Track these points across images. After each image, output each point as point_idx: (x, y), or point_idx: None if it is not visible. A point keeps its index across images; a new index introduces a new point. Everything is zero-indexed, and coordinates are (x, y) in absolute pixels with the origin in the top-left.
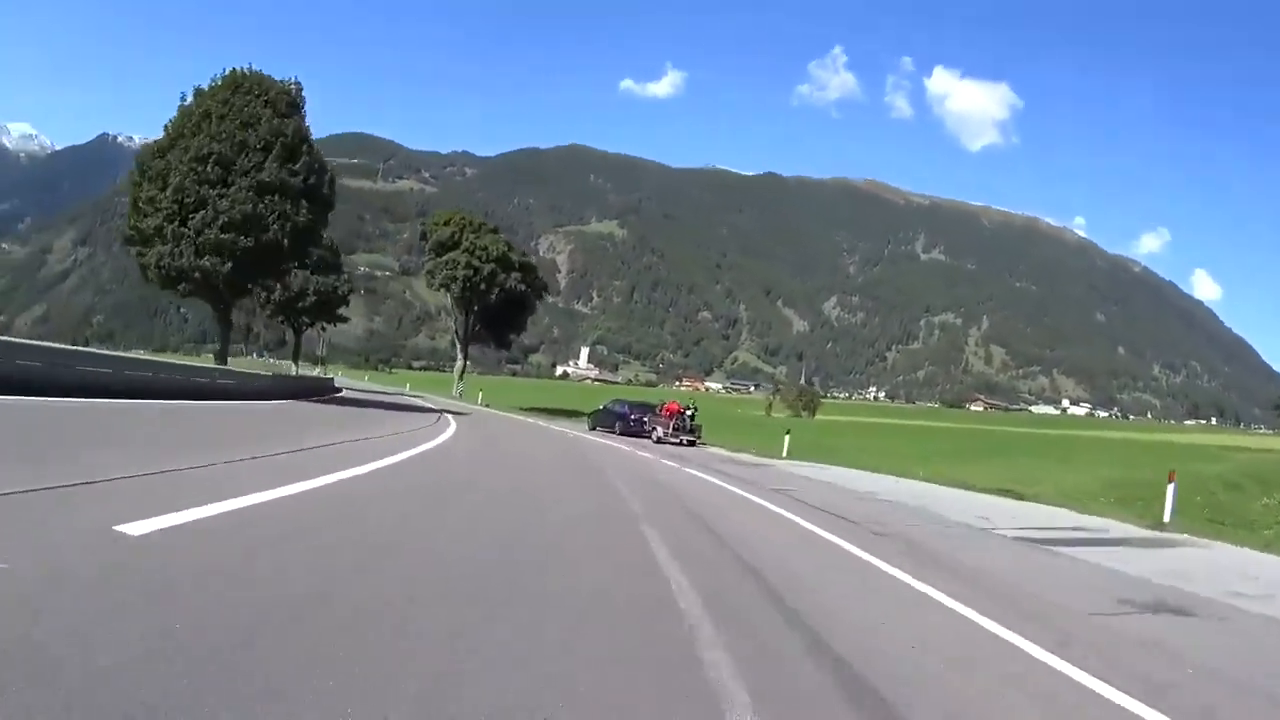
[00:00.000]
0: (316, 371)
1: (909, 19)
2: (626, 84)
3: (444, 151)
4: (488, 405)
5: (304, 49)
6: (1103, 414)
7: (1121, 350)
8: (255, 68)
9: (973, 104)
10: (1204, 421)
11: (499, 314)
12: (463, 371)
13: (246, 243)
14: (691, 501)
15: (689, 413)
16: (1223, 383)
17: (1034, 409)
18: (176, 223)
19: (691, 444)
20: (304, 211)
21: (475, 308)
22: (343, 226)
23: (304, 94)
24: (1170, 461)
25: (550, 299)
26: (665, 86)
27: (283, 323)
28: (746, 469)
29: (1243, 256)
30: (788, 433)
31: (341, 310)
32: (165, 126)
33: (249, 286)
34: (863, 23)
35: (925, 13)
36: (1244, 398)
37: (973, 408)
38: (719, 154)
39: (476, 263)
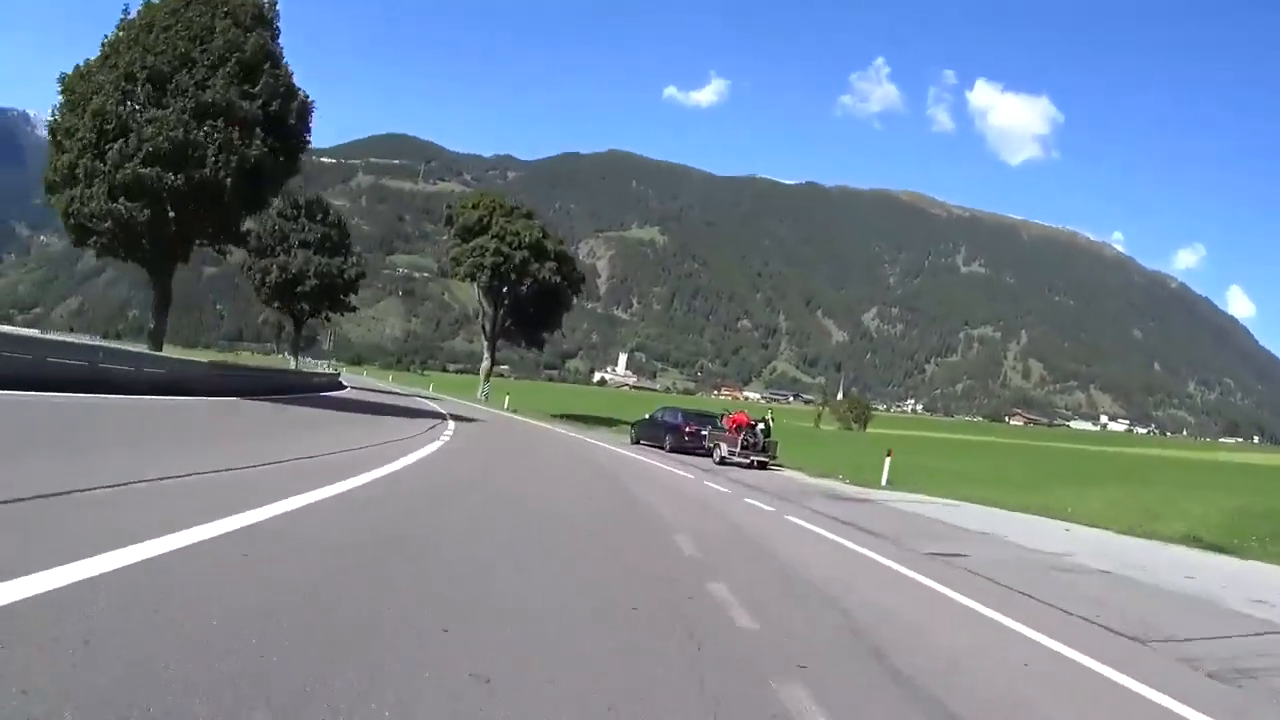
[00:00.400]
0: (320, 366)
1: (952, 31)
2: (670, 91)
3: (486, 155)
4: (514, 411)
5: (346, 49)
6: (1141, 431)
7: (1157, 366)
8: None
9: (1014, 117)
10: (1242, 440)
11: (532, 308)
12: (489, 372)
13: (175, 180)
14: (825, 585)
15: (761, 426)
16: (1256, 400)
17: (1072, 424)
18: (90, 156)
19: (763, 465)
20: (259, 144)
21: (505, 301)
22: (382, 226)
23: (278, 8)
24: None
25: (589, 304)
26: (709, 94)
27: (278, 308)
28: (857, 509)
29: (1277, 273)
30: (889, 454)
31: (352, 299)
32: (101, 44)
33: (189, 244)
34: (905, 34)
35: (968, 25)
36: (1275, 415)
37: (1012, 422)
38: (761, 163)
39: (507, 249)
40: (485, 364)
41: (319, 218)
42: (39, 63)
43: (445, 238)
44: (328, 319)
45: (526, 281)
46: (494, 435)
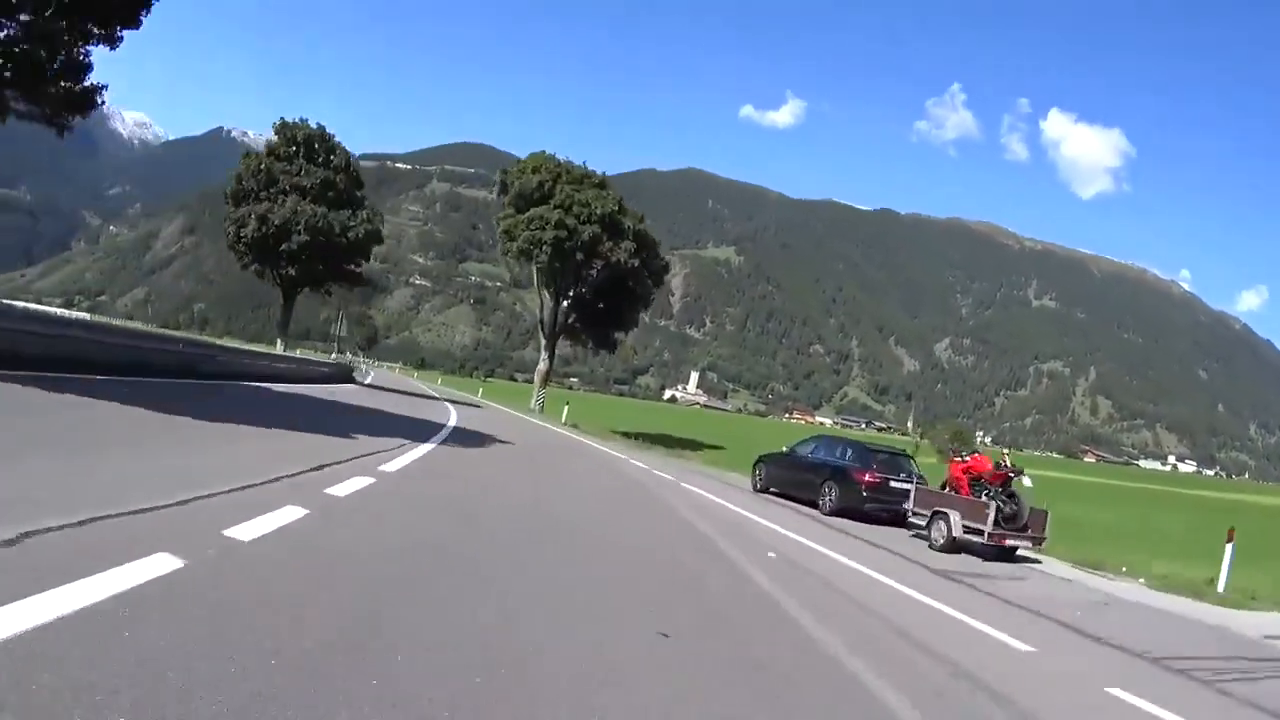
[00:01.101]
0: (334, 358)
1: (1026, 59)
2: (747, 111)
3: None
4: (574, 426)
5: (425, 57)
6: (1208, 473)
7: (1221, 408)
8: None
9: (1086, 149)
10: None
11: (601, 301)
12: (546, 376)
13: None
14: None
15: (1012, 478)
16: None
17: (1141, 464)
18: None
19: (1012, 552)
20: None
21: (569, 289)
22: (456, 233)
23: None
24: None
25: (662, 321)
26: (785, 115)
27: (259, 272)
28: None
29: None
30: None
31: (363, 267)
32: None
33: None
34: (981, 61)
35: (1043, 53)
36: None
37: (1086, 459)
38: (836, 187)
39: (573, 222)
40: (541, 366)
41: (321, 159)
42: (110, 56)
43: (501, 214)
44: (328, 293)
45: (596, 265)
46: (527, 462)
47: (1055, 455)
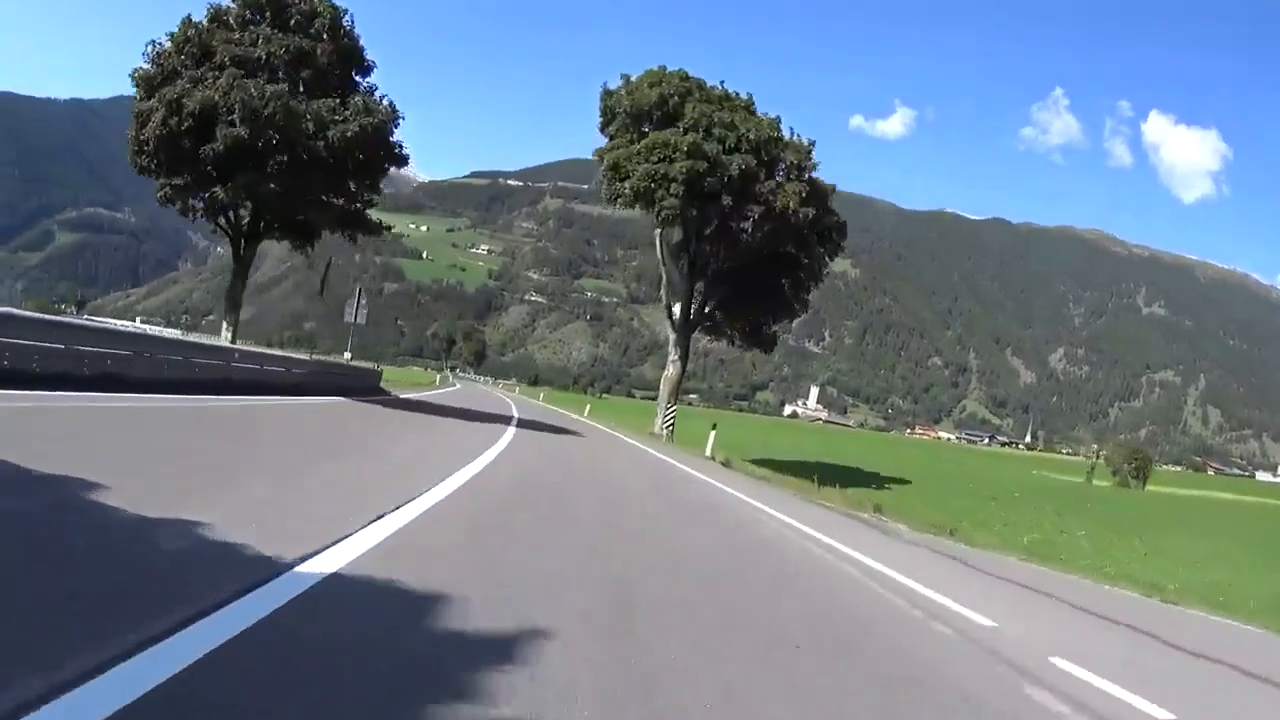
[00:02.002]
0: (344, 358)
1: (1125, 59)
2: (857, 121)
3: None
4: (724, 461)
5: (535, 72)
6: None
7: None
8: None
9: (1186, 152)
10: None
11: (755, 275)
12: (677, 387)
13: None
14: None
15: None
16: None
17: (1257, 476)
18: None
19: None
20: None
21: (710, 259)
22: (570, 250)
23: None
24: None
25: (781, 334)
26: (895, 125)
27: (178, 203)
28: None
29: None
30: None
31: (373, 204)
32: None
33: None
34: (1081, 63)
35: (1140, 52)
36: None
37: (1209, 473)
38: (949, 197)
39: (714, 149)
40: (670, 373)
41: (295, 20)
42: None
43: (603, 148)
44: (309, 248)
45: (750, 214)
46: None
47: (1174, 468)
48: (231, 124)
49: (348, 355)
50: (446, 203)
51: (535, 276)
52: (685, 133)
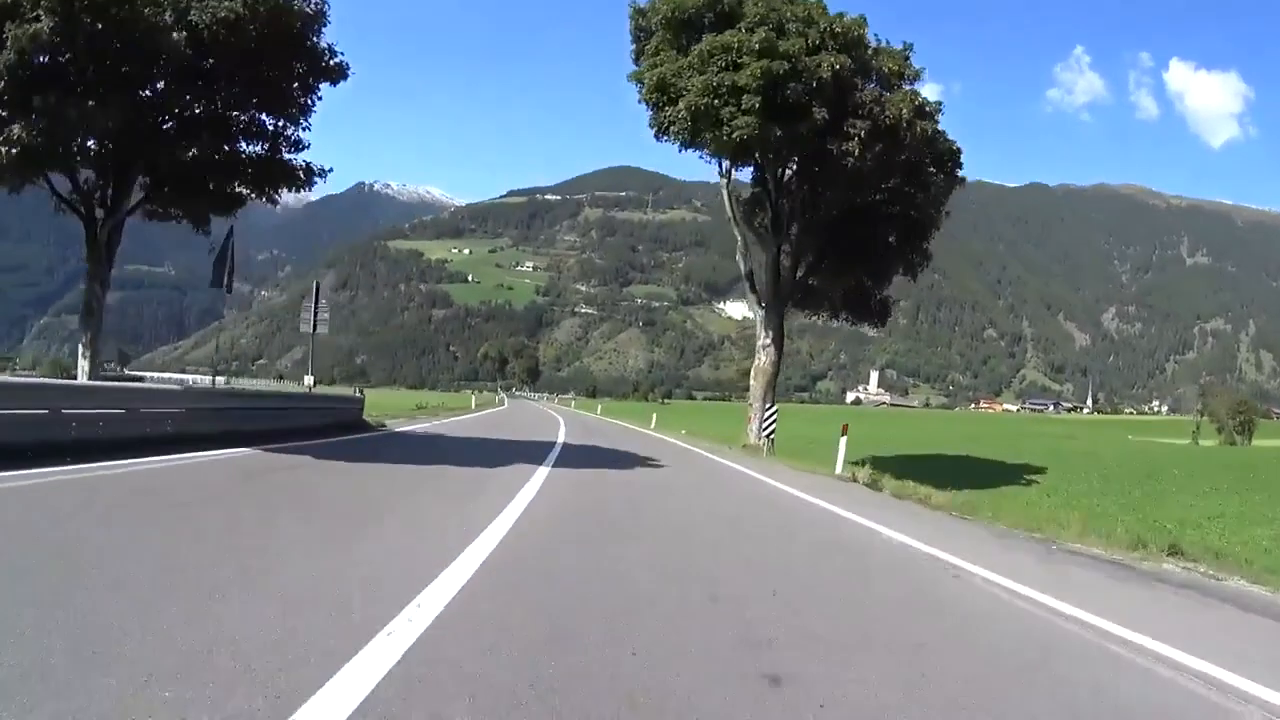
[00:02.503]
0: (307, 384)
1: (1139, 7)
2: None
3: (713, 180)
4: (870, 482)
5: (571, 82)
6: None
7: None
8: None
9: (1209, 97)
10: None
11: (861, 221)
12: (774, 378)
13: None
14: None
15: None
16: None
17: None
18: None
19: None
20: None
21: (799, 206)
22: (616, 258)
23: None
24: None
25: (834, 322)
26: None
27: None
28: None
29: None
30: None
31: (298, 144)
32: None
33: None
34: (1097, 18)
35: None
36: None
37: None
38: (985, 167)
39: (795, 46)
40: (761, 361)
41: None
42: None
43: (640, 66)
44: (204, 224)
45: (854, 133)
46: None
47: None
48: (32, 18)
49: (309, 380)
50: (487, 224)
51: (583, 288)
52: (746, 31)
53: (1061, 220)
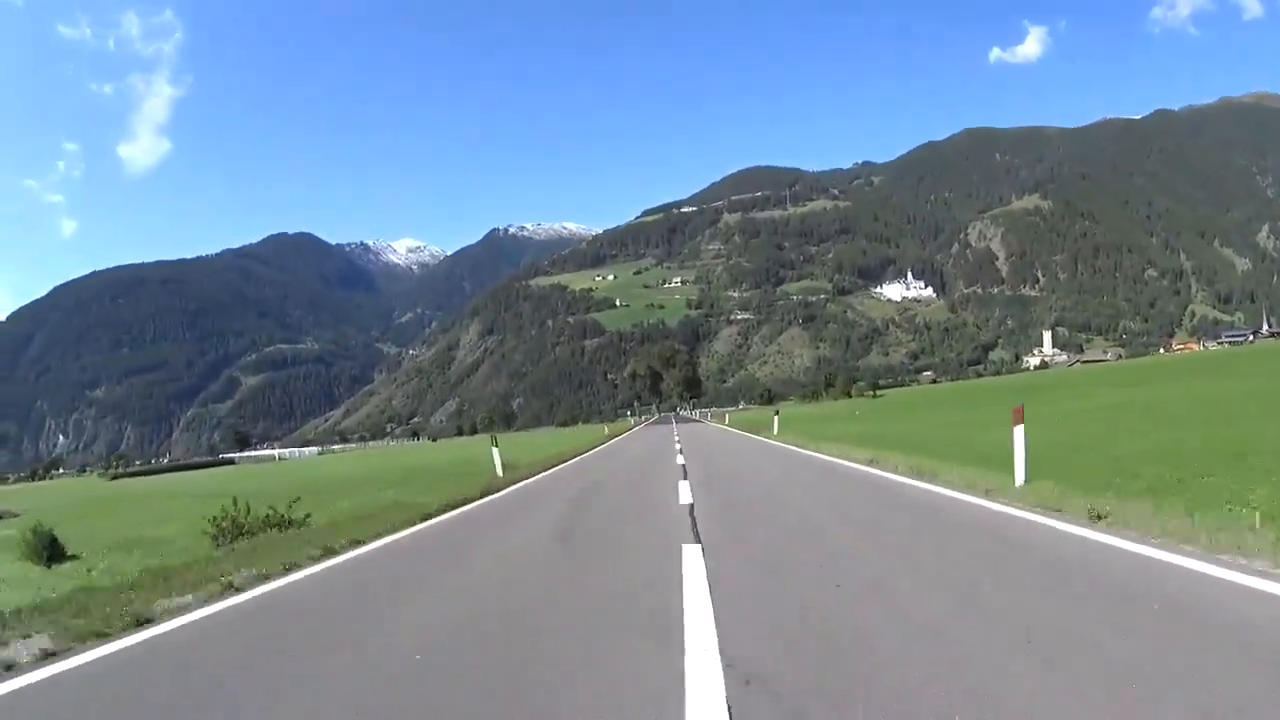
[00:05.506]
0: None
1: None
2: (995, 54)
3: (845, 166)
4: None
5: (700, 91)
6: None
7: None
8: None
9: None
10: None
11: None
12: None
13: None
14: None
15: None
16: None
17: None
18: None
19: None
20: None
21: None
22: (764, 259)
23: None
24: None
25: (995, 288)
26: (1032, 46)
27: None
28: None
29: None
30: None
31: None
32: None
33: None
34: None
35: None
36: None
37: None
38: (1107, 103)
39: None
40: None
41: None
42: (361, 200)
43: None
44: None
45: None
46: None
47: None
48: None
49: None
50: (627, 247)
51: (735, 294)
52: None
53: (1195, 142)
